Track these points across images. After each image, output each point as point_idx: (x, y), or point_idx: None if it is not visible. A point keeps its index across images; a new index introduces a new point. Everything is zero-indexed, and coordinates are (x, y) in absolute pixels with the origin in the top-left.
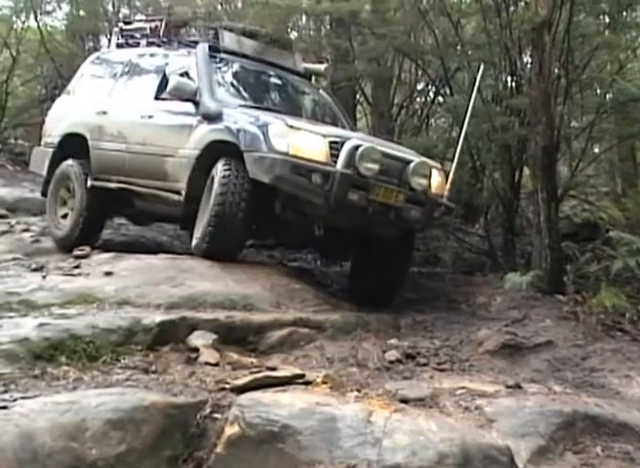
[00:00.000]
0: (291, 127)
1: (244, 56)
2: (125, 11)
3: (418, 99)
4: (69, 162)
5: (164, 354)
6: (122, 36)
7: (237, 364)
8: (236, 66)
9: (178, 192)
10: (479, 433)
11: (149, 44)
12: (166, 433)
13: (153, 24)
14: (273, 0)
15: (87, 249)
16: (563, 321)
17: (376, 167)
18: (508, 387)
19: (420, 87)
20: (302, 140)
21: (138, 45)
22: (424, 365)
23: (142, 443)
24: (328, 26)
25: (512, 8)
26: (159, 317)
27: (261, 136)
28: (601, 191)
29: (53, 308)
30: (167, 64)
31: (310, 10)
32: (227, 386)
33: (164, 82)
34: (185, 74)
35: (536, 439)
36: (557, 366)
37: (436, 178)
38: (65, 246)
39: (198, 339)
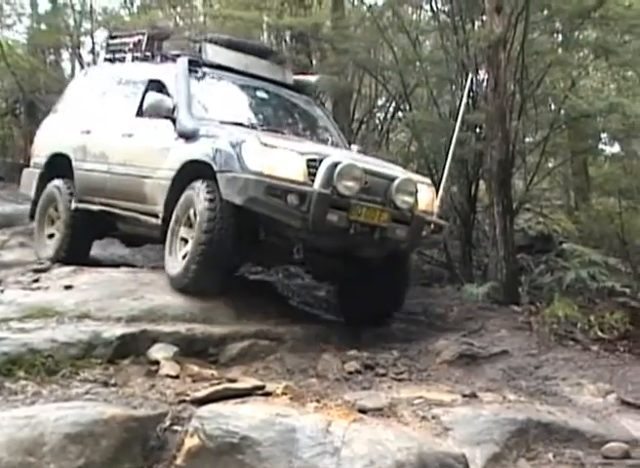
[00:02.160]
0: (265, 145)
1: (229, 69)
2: (87, 25)
3: (378, 114)
4: (56, 182)
5: (124, 367)
6: (109, 51)
7: (197, 376)
8: (218, 80)
9: (156, 215)
10: (436, 441)
11: (134, 59)
12: (126, 446)
13: (136, 39)
14: (236, 13)
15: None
16: (518, 331)
17: (356, 185)
18: (465, 396)
19: (380, 102)
20: (278, 159)
21: (124, 60)
22: (383, 375)
23: (102, 456)
24: (288, 41)
25: (469, 26)
26: (119, 330)
27: (235, 156)
28: (555, 204)
29: (11, 322)
30: (148, 81)
31: (273, 24)
32: (188, 398)
33: (144, 98)
34: (164, 90)
35: (491, 446)
36: (512, 375)
37: (425, 195)
38: None
39: (159, 352)
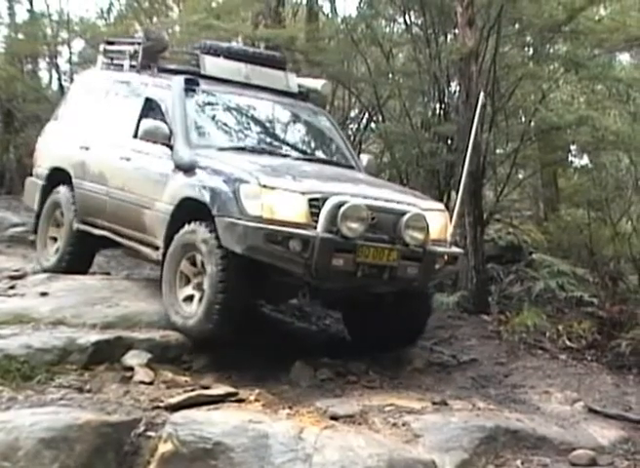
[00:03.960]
0: (264, 186)
1: (230, 81)
2: (64, 35)
3: (351, 126)
4: (59, 190)
5: (99, 373)
6: (106, 57)
7: (171, 382)
8: (218, 99)
9: (156, 247)
10: (406, 448)
11: (131, 67)
12: (100, 451)
13: (132, 49)
14: (213, 23)
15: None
16: (487, 340)
17: (362, 227)
18: (435, 404)
19: (353, 113)
20: (278, 201)
21: (121, 66)
22: (355, 382)
23: (76, 461)
24: None
25: (441, 39)
26: (94, 337)
27: (233, 198)
28: (524, 215)
29: None
30: (145, 99)
31: (250, 35)
32: (161, 404)
33: (141, 119)
34: (160, 111)
35: (460, 453)
36: (481, 383)
37: (436, 221)
38: None
39: (133, 359)
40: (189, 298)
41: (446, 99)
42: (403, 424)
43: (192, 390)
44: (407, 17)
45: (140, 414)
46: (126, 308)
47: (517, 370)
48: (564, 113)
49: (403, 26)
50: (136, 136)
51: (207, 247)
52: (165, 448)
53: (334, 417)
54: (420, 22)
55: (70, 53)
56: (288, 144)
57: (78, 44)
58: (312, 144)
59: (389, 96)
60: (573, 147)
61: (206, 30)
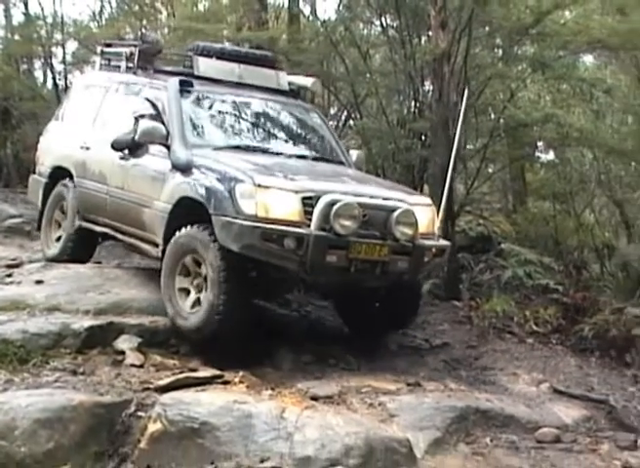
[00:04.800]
0: (259, 186)
1: (222, 81)
2: (58, 36)
3: (330, 123)
4: (64, 182)
5: (92, 357)
6: (104, 58)
7: (160, 365)
8: (212, 99)
9: (156, 245)
10: (382, 427)
11: (128, 68)
12: (93, 430)
13: (128, 51)
14: (198, 26)
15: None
16: (458, 325)
17: (354, 224)
18: (409, 385)
19: (332, 111)
20: (272, 200)
21: (119, 67)
22: (334, 365)
23: (70, 440)
24: None
25: (416, 40)
26: (87, 322)
27: (229, 197)
28: (494, 207)
29: None
30: (141, 100)
31: (232, 36)
32: (151, 386)
33: (137, 121)
34: (157, 111)
35: (433, 431)
36: (453, 365)
37: (425, 216)
38: None
39: (124, 343)
40: (190, 299)
41: (420, 98)
42: (379, 404)
43: (180, 373)
44: (383, 19)
45: (131, 396)
46: (117, 295)
47: (487, 354)
48: (531, 111)
49: (379, 29)
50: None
51: (205, 249)
52: (154, 427)
53: (314, 398)
54: (395, 25)
55: (64, 53)
56: (281, 142)
57: (72, 45)
58: (304, 141)
59: (367, 94)
60: (539, 143)
61: (192, 34)
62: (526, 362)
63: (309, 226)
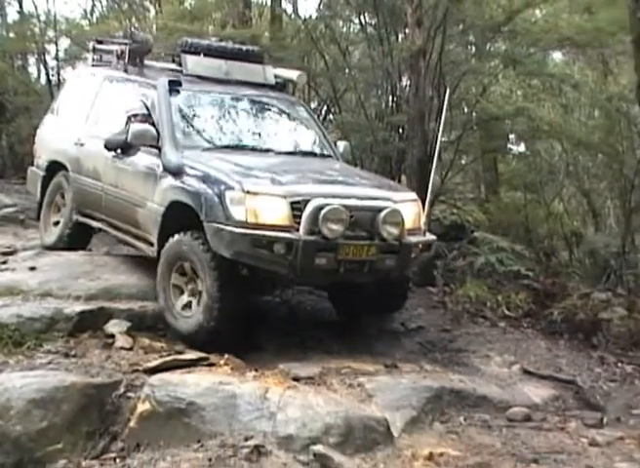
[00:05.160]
0: (248, 192)
1: (211, 78)
2: (51, 33)
3: None
4: (63, 172)
5: (83, 340)
6: (95, 54)
7: (149, 348)
8: (200, 98)
9: (151, 244)
10: (360, 407)
11: (119, 66)
12: (84, 410)
13: (119, 49)
14: (183, 26)
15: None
16: (433, 309)
17: (341, 228)
18: (386, 367)
19: (312, 105)
20: (261, 206)
21: (110, 63)
22: (314, 348)
23: (63, 419)
24: None
25: (393, 37)
26: (79, 307)
27: (219, 204)
28: (467, 197)
29: None
30: (133, 98)
31: (216, 34)
32: (140, 368)
33: (129, 121)
34: (147, 112)
35: (409, 411)
36: (428, 348)
37: (411, 211)
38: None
39: (114, 327)
40: (186, 304)
41: (397, 92)
42: (358, 385)
43: (168, 355)
44: (362, 17)
45: (121, 377)
46: (107, 281)
47: (460, 337)
48: (503, 105)
49: (358, 26)
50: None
51: (198, 256)
52: (143, 407)
53: (295, 379)
54: (373, 23)
55: (57, 50)
56: (269, 138)
57: (64, 42)
58: (292, 136)
59: (346, 89)
60: (511, 136)
61: (179, 31)
62: (498, 344)
63: (298, 230)
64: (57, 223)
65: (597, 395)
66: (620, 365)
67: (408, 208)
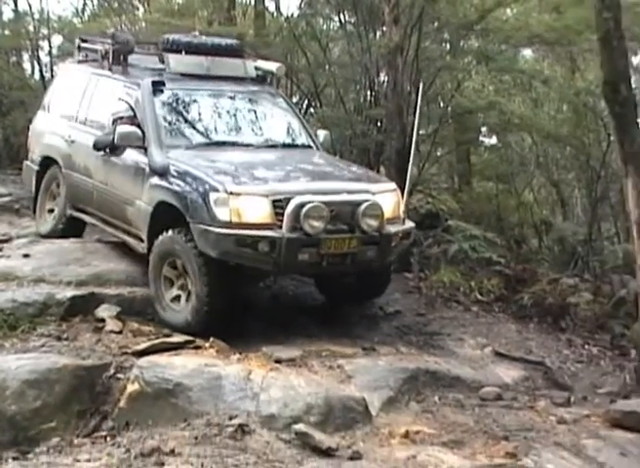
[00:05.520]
0: (231, 193)
1: (193, 75)
2: (44, 31)
3: None
4: (56, 166)
5: (75, 324)
6: (81, 52)
7: (137, 331)
8: (183, 96)
9: (142, 240)
10: (340, 387)
11: (104, 64)
12: (76, 391)
13: (103, 48)
14: (172, 21)
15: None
16: (409, 294)
17: (322, 224)
18: (364, 349)
19: (294, 100)
20: (245, 205)
21: (95, 61)
22: (296, 332)
23: (55, 399)
24: None
25: (371, 35)
26: (70, 292)
27: (203, 205)
28: (442, 187)
29: None
30: (117, 99)
31: (203, 31)
32: (129, 351)
33: (115, 123)
34: (132, 113)
35: (386, 391)
36: (404, 331)
37: (390, 201)
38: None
39: (104, 311)
40: (177, 298)
41: (376, 87)
42: (337, 367)
43: (156, 338)
44: (341, 15)
45: (111, 359)
46: (97, 268)
47: (435, 321)
48: (476, 99)
49: (338, 24)
50: None
51: (186, 254)
52: (132, 388)
53: (278, 361)
54: (352, 21)
55: (50, 47)
56: (251, 132)
57: (57, 39)
58: (273, 129)
59: (326, 84)
60: (483, 128)
61: (166, 26)
62: (471, 328)
63: (281, 227)
64: (51, 211)
65: (565, 375)
66: (586, 347)
67: (387, 198)
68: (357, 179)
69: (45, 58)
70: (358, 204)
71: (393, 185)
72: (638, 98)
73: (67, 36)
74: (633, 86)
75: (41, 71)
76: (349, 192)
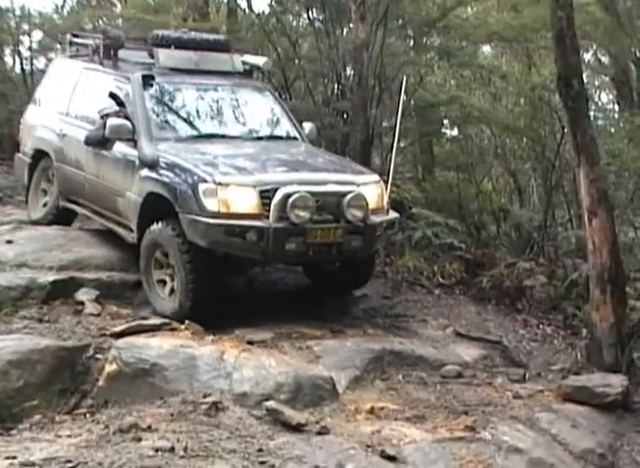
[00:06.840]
0: (219, 184)
1: (182, 70)
2: (25, 26)
3: None
4: (48, 158)
5: (55, 307)
6: (72, 46)
7: (115, 314)
8: (172, 90)
9: (132, 230)
10: (309, 367)
11: (95, 59)
12: (57, 371)
13: (93, 43)
14: (147, 17)
15: None
16: (375, 279)
17: (308, 214)
18: (333, 331)
19: None
20: (233, 196)
21: (86, 56)
22: (268, 315)
23: (37, 379)
24: None
25: (338, 31)
26: (52, 277)
27: (192, 196)
28: (406, 177)
29: None
30: (108, 94)
31: (179, 26)
32: (107, 332)
33: (105, 118)
34: (123, 107)
35: (353, 370)
36: (371, 313)
37: (374, 192)
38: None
39: (84, 295)
40: (166, 286)
41: (342, 81)
42: (307, 348)
43: (133, 320)
44: (310, 13)
45: (90, 341)
46: (78, 253)
47: (400, 303)
48: (438, 93)
49: (307, 21)
50: None
51: (172, 244)
52: (110, 368)
53: (250, 342)
54: (321, 18)
55: (30, 42)
56: (238, 125)
57: (37, 35)
58: (260, 122)
59: (296, 78)
60: (445, 121)
61: (141, 22)
62: (434, 310)
63: (268, 217)
64: (45, 205)
65: (521, 354)
66: (541, 326)
67: (371, 189)
68: (342, 171)
69: (26, 53)
70: (343, 195)
71: (377, 177)
72: (589, 93)
73: (47, 32)
74: (585, 81)
75: (22, 65)
76: (335, 183)
